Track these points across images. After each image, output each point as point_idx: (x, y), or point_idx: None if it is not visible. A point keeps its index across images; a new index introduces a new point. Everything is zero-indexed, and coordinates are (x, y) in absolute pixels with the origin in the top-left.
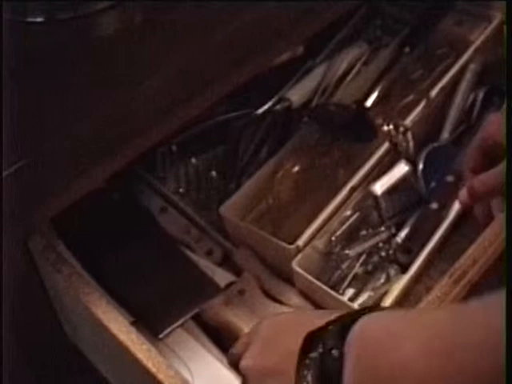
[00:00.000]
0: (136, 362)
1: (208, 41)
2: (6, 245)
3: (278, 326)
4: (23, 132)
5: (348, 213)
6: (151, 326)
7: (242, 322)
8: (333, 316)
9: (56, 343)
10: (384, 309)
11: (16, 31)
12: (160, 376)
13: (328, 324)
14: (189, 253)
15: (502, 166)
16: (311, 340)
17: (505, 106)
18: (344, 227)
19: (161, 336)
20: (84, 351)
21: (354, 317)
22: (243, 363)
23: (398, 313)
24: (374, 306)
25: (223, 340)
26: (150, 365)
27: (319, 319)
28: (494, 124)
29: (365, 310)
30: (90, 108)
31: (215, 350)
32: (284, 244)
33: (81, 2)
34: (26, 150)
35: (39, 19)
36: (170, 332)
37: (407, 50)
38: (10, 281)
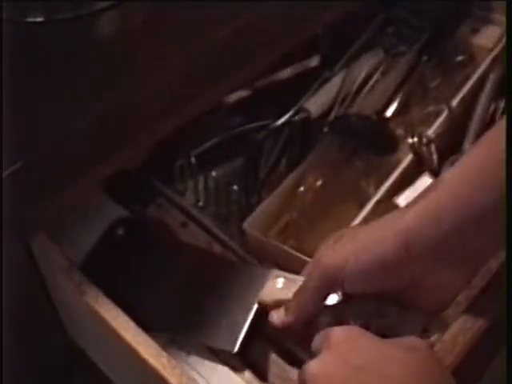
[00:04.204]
0: (143, 362)
1: (209, 41)
2: (7, 244)
3: (355, 336)
4: (23, 132)
5: None
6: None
7: None
8: None
9: (56, 343)
10: None
11: (16, 31)
12: (165, 374)
13: None
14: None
15: None
16: None
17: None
18: None
19: (236, 351)
20: (86, 349)
21: None
22: (311, 368)
23: None
24: None
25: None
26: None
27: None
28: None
29: None
30: (90, 108)
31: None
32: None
33: (81, 2)
34: (26, 149)
35: (39, 19)
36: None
37: (425, 58)
38: (10, 280)
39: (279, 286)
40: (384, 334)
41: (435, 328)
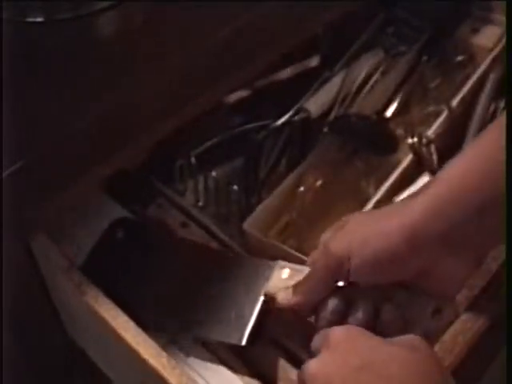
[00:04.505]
0: (143, 362)
1: (209, 41)
2: (7, 244)
3: (355, 336)
4: (23, 132)
5: None
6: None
7: None
8: None
9: (56, 343)
10: None
11: (16, 31)
12: (165, 374)
13: None
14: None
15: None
16: None
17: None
18: None
19: (245, 343)
20: (86, 349)
21: None
22: (310, 367)
23: None
24: None
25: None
26: (156, 364)
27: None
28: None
29: None
30: (90, 108)
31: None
32: None
33: (81, 2)
34: (26, 149)
35: (39, 19)
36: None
37: (425, 58)
38: (10, 280)
39: (285, 276)
40: (385, 334)
41: (447, 308)
